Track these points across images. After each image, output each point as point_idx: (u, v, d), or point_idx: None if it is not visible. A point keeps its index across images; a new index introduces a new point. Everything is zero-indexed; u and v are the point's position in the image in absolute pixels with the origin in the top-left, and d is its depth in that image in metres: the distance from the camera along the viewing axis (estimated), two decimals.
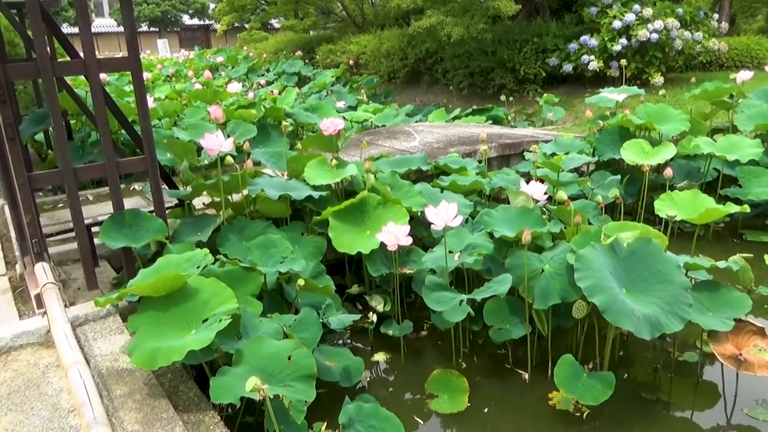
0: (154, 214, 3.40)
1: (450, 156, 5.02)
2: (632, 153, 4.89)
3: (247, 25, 21.29)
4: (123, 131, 4.69)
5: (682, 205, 3.84)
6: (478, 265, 3.36)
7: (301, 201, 3.86)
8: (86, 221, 3.29)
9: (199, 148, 4.80)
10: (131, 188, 5.16)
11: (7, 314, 3.03)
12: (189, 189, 3.91)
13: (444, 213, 3.05)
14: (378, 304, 3.68)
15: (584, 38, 8.97)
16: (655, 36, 8.38)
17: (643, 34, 8.38)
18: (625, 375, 3.14)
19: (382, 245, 3.27)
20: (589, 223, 3.83)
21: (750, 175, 5.04)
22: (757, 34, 11.28)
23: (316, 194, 3.89)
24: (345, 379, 2.93)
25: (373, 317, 3.40)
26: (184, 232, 3.62)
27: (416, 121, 8.73)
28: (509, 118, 8.78)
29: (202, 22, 44.85)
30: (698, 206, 3.80)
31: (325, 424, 2.63)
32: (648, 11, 8.50)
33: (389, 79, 12.56)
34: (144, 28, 41.08)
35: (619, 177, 4.98)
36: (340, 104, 9.38)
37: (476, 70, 10.24)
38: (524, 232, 2.93)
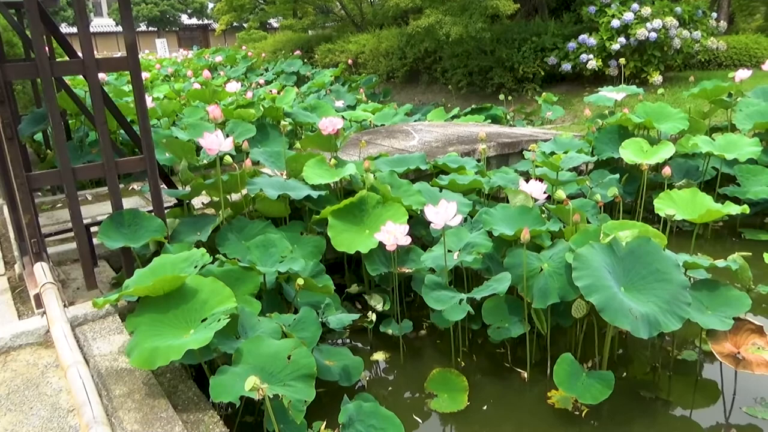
0: (153, 213, 3.41)
1: (449, 155, 5.03)
2: (631, 152, 4.89)
3: (245, 25, 21.29)
4: (122, 131, 4.69)
5: (681, 204, 3.85)
6: (477, 264, 3.36)
7: (300, 200, 3.87)
8: (85, 221, 3.29)
9: (198, 148, 4.80)
10: (130, 188, 5.16)
11: (6, 314, 3.03)
12: (188, 189, 3.91)
13: (443, 212, 3.05)
14: (377, 303, 3.68)
15: (583, 37, 8.98)
16: (653, 35, 8.39)
17: (641, 33, 8.38)
18: (625, 374, 3.15)
19: (381, 244, 3.27)
20: (588, 222, 3.84)
21: (748, 173, 5.05)
22: (755, 33, 11.29)
23: (315, 194, 3.89)
24: (344, 378, 2.94)
25: (373, 316, 3.40)
26: (183, 231, 3.62)
27: (415, 121, 8.74)
28: (508, 117, 8.78)
29: (200, 22, 44.83)
30: (697, 205, 3.81)
31: (325, 423, 2.63)
32: (646, 10, 8.51)
33: (388, 79, 12.56)
34: (142, 27, 41.05)
35: (618, 176, 4.99)
36: (339, 103, 9.39)
37: (475, 69, 10.24)
38: (523, 231, 2.93)
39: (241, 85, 11.81)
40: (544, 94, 8.81)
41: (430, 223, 3.14)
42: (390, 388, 3.18)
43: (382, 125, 7.81)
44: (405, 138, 6.19)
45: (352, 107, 9.66)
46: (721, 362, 2.84)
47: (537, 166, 4.70)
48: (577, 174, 5.18)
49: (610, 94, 6.06)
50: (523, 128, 7.33)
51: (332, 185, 4.13)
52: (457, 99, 10.66)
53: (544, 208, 3.92)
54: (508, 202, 3.97)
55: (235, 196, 4.07)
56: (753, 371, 2.69)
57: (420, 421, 2.87)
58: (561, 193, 3.70)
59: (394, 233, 3.12)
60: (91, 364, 2.53)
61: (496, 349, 3.41)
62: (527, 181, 3.80)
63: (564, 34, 9.53)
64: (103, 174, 3.23)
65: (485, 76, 10.24)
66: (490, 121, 8.15)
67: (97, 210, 4.47)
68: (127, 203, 3.94)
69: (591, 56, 8.87)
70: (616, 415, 2.82)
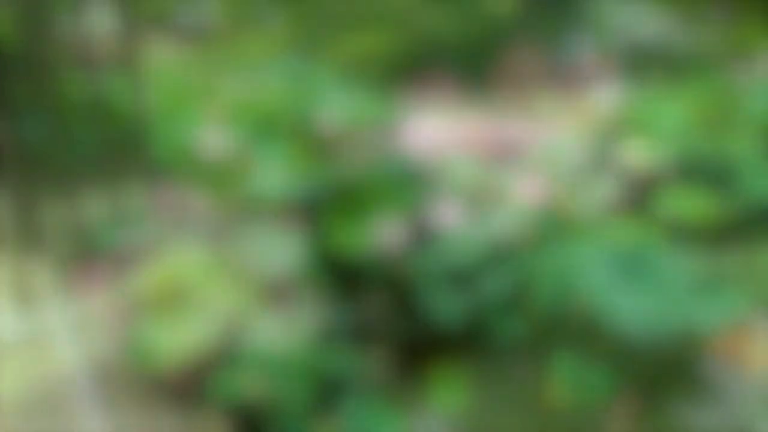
0: (152, 213, 3.40)
1: (448, 154, 5.02)
2: (631, 151, 4.89)
3: (245, 24, 21.30)
4: (121, 130, 4.68)
5: (682, 203, 3.85)
6: (478, 264, 3.36)
7: (300, 200, 3.86)
8: (84, 220, 3.29)
9: (198, 147, 4.80)
10: (129, 187, 5.15)
11: (5, 314, 3.03)
12: (187, 188, 3.91)
13: (443, 212, 3.05)
14: (376, 302, 3.68)
15: (582, 36, 8.99)
16: (653, 33, 8.40)
17: (641, 31, 8.39)
18: (624, 373, 3.14)
19: (381, 243, 3.27)
20: (588, 222, 3.83)
21: (749, 172, 5.05)
22: (756, 31, 11.30)
23: (314, 193, 3.89)
24: (344, 377, 2.93)
25: (373, 316, 3.40)
26: (183, 231, 3.61)
27: (414, 120, 8.73)
28: (506, 116, 8.78)
29: (200, 21, 44.88)
30: (698, 204, 3.81)
31: (325, 423, 2.64)
32: (646, 8, 8.52)
33: (386, 78, 12.58)
34: (142, 26, 41.07)
35: (617, 175, 4.99)
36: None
37: (472, 68, 10.27)
38: (524, 231, 2.93)
39: (241, 85, 11.80)
40: (542, 92, 8.81)
41: (429, 222, 3.14)
42: (390, 388, 3.17)
43: (380, 125, 7.80)
44: (404, 137, 6.19)
45: (351, 107, 9.66)
46: (721, 362, 2.85)
47: (536, 166, 4.69)
48: (578, 173, 5.18)
49: (609, 92, 6.06)
50: (522, 127, 7.32)
51: (331, 185, 4.12)
52: (455, 98, 10.68)
53: (543, 208, 3.91)
54: (507, 201, 3.96)
55: (234, 196, 4.07)
56: (753, 371, 2.70)
57: (420, 420, 2.87)
58: (561, 193, 3.70)
59: (393, 232, 3.12)
60: (91, 363, 2.53)
61: (496, 349, 3.40)
62: (527, 180, 3.80)
63: (562, 32, 9.54)
64: (102, 173, 3.22)
65: (483, 75, 10.25)
66: (489, 120, 8.14)
67: (96, 209, 4.46)
68: (126, 203, 3.94)
69: (590, 54, 8.88)
70: (615, 414, 2.82)
